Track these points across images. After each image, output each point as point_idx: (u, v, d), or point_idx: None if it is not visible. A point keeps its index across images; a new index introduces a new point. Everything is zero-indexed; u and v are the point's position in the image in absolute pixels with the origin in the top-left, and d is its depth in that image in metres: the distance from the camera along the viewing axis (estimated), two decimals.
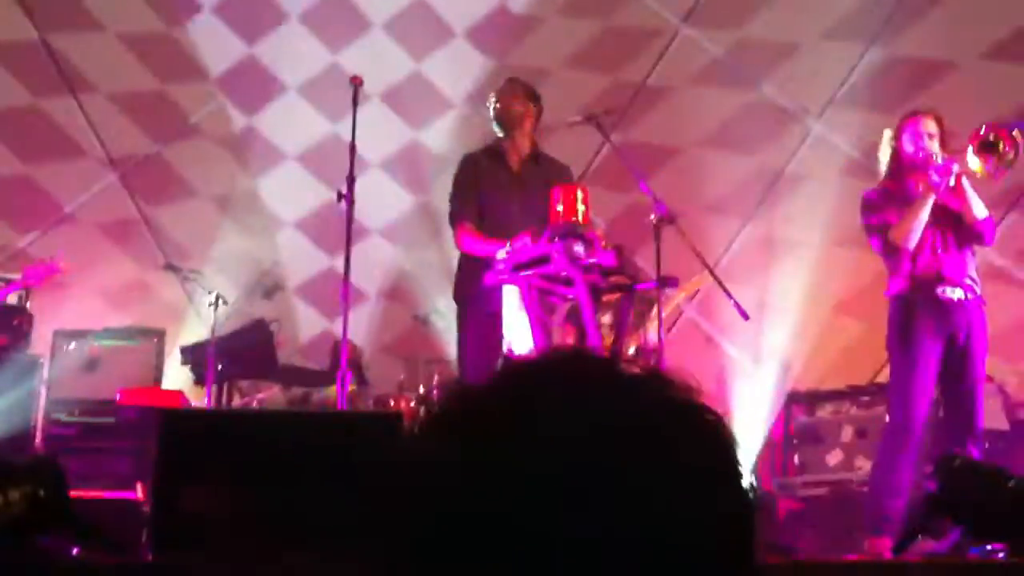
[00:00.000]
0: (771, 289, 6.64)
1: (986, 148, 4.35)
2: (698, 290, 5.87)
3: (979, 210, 4.40)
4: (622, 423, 0.74)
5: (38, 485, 3.60)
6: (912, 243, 4.36)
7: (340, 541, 3.14)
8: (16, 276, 6.64)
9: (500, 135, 4.91)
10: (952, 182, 4.33)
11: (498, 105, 4.87)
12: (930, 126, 4.48)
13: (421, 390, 6.80)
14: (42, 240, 7.77)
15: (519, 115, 4.81)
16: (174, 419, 3.72)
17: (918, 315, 4.37)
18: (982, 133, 4.37)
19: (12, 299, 6.67)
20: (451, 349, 7.37)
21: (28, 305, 6.49)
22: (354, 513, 3.20)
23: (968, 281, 4.45)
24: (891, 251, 4.45)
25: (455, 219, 4.81)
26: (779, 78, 7.15)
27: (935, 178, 4.34)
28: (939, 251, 4.43)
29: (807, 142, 7.00)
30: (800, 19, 7.05)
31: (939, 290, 4.38)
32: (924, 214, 4.35)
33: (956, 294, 4.40)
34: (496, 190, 4.78)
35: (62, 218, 7.88)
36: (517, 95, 4.88)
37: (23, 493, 3.59)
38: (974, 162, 4.34)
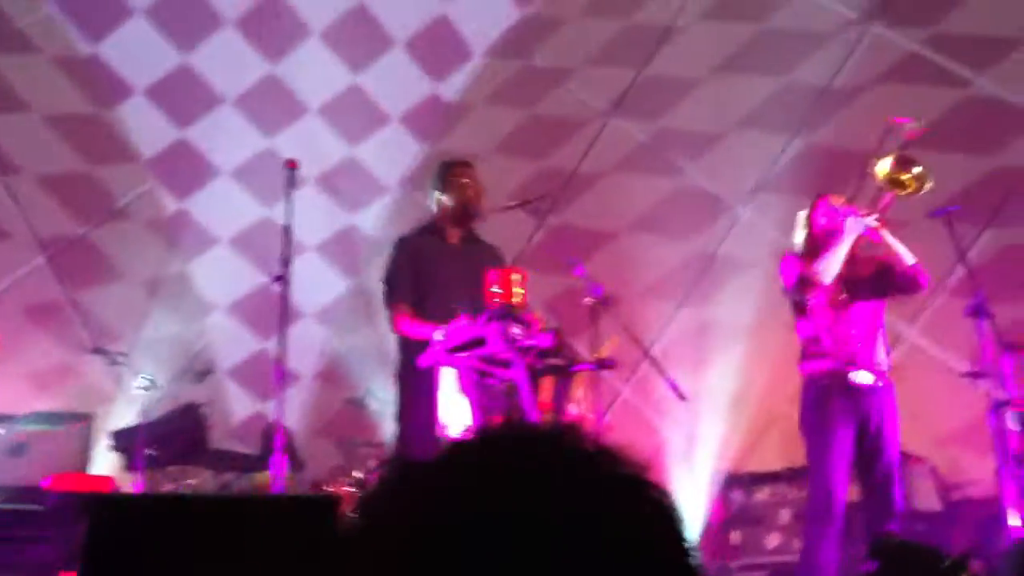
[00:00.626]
0: (706, 372, 6.71)
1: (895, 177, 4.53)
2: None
3: (907, 257, 4.55)
4: (572, 498, 0.73)
5: None
6: (829, 278, 4.46)
7: None
8: None
9: (452, 217, 4.93)
10: (875, 230, 4.49)
11: (469, 188, 4.89)
12: (838, 202, 4.67)
13: (356, 474, 6.72)
14: None
15: (481, 198, 4.88)
16: (103, 505, 3.62)
17: (832, 398, 4.46)
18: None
19: None
20: (386, 432, 7.32)
21: None
22: None
23: (879, 366, 4.57)
24: (803, 294, 4.56)
25: (391, 301, 4.80)
26: (704, 165, 7.34)
27: (856, 221, 4.49)
28: (853, 332, 4.56)
29: (736, 227, 7.16)
30: (721, 111, 7.28)
31: (851, 375, 4.48)
32: (843, 250, 4.47)
33: (867, 379, 4.51)
34: (438, 266, 4.79)
35: None
36: (478, 178, 4.92)
37: None
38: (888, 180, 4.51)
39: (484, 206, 4.85)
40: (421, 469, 0.80)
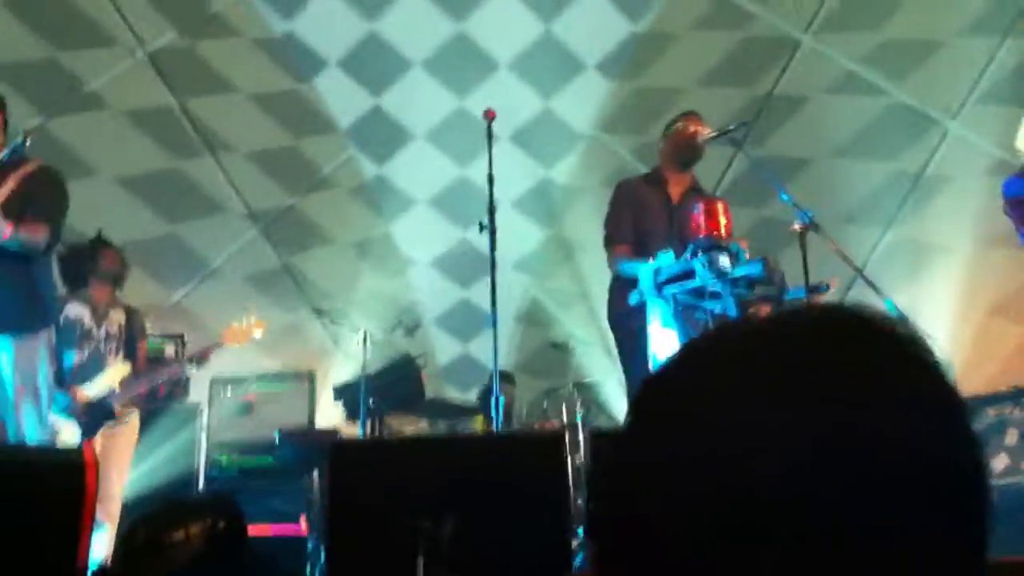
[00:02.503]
0: (919, 295, 6.48)
1: None
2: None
3: None
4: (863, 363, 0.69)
5: (217, 519, 3.72)
6: None
7: (513, 565, 3.19)
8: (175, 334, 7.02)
9: (670, 165, 4.98)
10: None
11: (686, 129, 4.92)
12: None
13: (565, 417, 6.85)
14: (192, 295, 8.14)
15: (702, 149, 4.91)
16: (340, 449, 3.84)
17: None
18: None
19: (169, 351, 7.00)
20: (591, 374, 7.43)
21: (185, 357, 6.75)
22: (521, 536, 3.25)
23: None
24: None
25: (610, 242, 4.91)
26: (910, 82, 7.02)
27: None
28: None
29: (945, 143, 6.84)
30: (930, 19, 6.92)
31: None
32: None
33: None
34: (654, 220, 4.85)
35: (210, 272, 8.23)
36: (702, 129, 4.94)
37: (203, 527, 3.68)
38: None
39: (700, 151, 4.88)
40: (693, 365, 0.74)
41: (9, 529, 3.15)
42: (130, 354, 6.00)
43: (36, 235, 4.42)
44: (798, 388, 0.67)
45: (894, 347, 0.71)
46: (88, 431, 5.45)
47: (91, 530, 3.46)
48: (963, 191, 6.50)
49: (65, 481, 3.35)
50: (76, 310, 5.64)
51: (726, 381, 0.69)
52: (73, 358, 5.66)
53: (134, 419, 5.74)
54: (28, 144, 4.39)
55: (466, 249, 7.86)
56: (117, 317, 6.04)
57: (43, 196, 4.44)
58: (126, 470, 5.68)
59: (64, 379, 5.36)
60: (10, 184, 4.44)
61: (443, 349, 8.30)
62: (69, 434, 5.32)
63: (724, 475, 0.65)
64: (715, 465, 0.66)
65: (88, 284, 5.75)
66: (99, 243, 5.84)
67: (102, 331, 5.92)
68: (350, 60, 8.33)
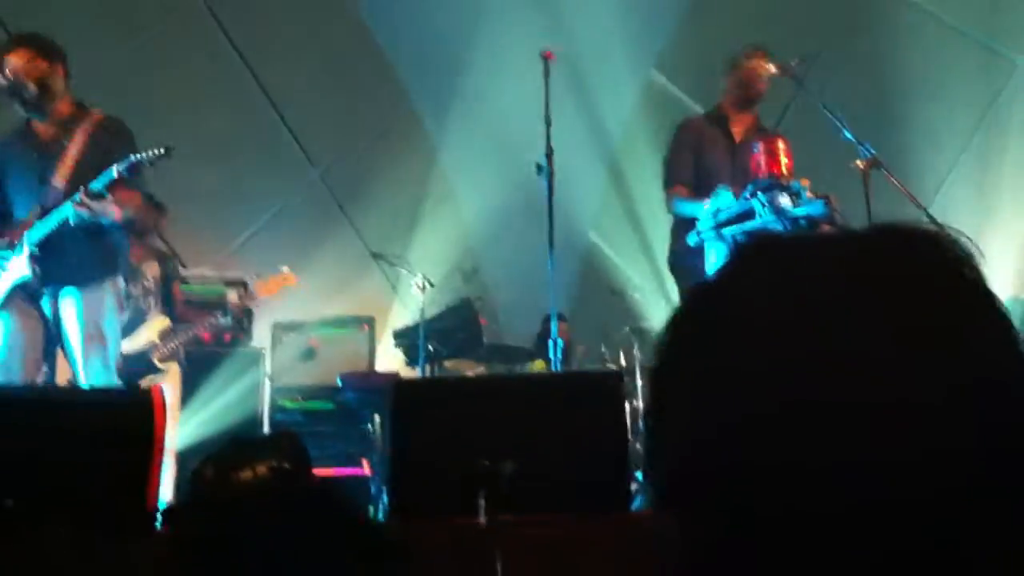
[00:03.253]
0: (986, 234, 6.34)
1: None
2: None
3: None
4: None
5: (283, 458, 3.79)
6: None
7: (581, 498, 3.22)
8: (236, 274, 7.11)
9: (733, 103, 4.91)
10: None
11: (751, 67, 4.85)
12: None
13: (624, 361, 6.85)
14: (254, 240, 8.25)
15: (765, 87, 4.84)
16: (402, 389, 3.88)
17: None
18: None
19: (232, 296, 7.10)
20: (649, 319, 7.41)
21: (248, 304, 6.84)
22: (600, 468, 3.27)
23: None
24: None
25: (668, 183, 4.87)
26: (979, 17, 6.83)
27: None
28: None
29: (1013, 81, 6.66)
30: None
31: None
32: None
33: None
34: (717, 160, 4.80)
35: (272, 218, 8.32)
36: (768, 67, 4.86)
37: (269, 465, 3.73)
38: None
39: (763, 90, 4.80)
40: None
41: (82, 468, 3.25)
42: (167, 305, 6.11)
43: (136, 205, 4.50)
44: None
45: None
46: (132, 384, 5.58)
47: (160, 469, 3.56)
48: None
49: (135, 422, 3.44)
50: None
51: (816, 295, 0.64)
52: None
53: (174, 371, 5.84)
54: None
55: (524, 192, 7.83)
56: (151, 270, 6.16)
57: (122, 154, 4.46)
58: (172, 421, 5.79)
59: None
60: (79, 140, 4.48)
61: (501, 293, 8.32)
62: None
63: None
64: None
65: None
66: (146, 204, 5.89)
67: (138, 287, 6.03)
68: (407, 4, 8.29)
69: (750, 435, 0.61)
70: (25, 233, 4.34)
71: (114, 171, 4.18)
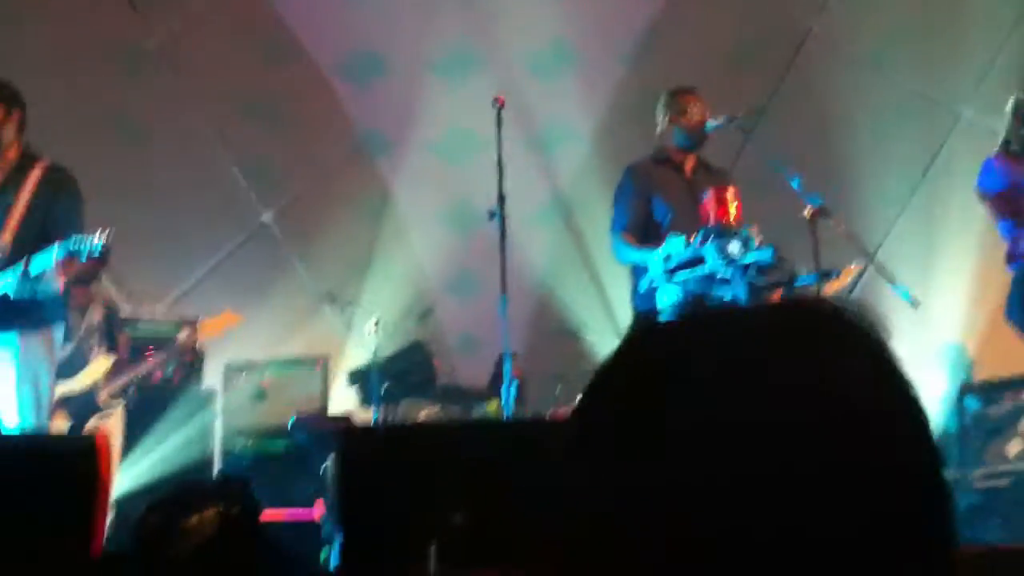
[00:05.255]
0: (932, 280, 6.45)
1: None
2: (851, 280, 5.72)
3: None
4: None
5: (231, 504, 3.74)
6: None
7: (534, 551, 3.20)
8: (185, 314, 7.06)
9: (676, 148, 4.96)
10: None
11: (693, 115, 4.90)
12: None
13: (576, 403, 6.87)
14: (206, 282, 8.18)
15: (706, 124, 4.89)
16: (353, 436, 3.87)
17: None
18: None
19: (182, 335, 7.02)
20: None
21: (198, 343, 6.79)
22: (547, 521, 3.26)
23: None
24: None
25: (614, 228, 4.89)
26: (920, 66, 6.99)
27: None
28: None
29: (957, 128, 6.82)
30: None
31: None
32: None
33: None
34: (669, 195, 4.83)
35: (222, 260, 8.27)
36: (707, 107, 4.91)
37: (216, 511, 3.69)
38: None
39: (705, 130, 4.85)
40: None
41: (25, 514, 3.19)
42: (111, 346, 6.07)
43: (74, 270, 4.45)
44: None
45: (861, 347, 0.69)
46: (76, 425, 5.52)
47: (106, 515, 3.50)
48: (975, 175, 6.48)
49: (79, 467, 3.39)
50: None
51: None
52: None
53: (119, 411, 5.79)
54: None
55: (477, 234, 7.86)
56: (97, 311, 6.12)
57: (67, 211, 4.43)
58: (115, 461, 5.71)
59: None
60: (24, 195, 4.42)
61: (455, 335, 8.31)
62: (56, 429, 5.36)
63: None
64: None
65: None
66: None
67: (83, 326, 5.98)
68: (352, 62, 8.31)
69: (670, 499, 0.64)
70: None
71: (52, 257, 4.15)
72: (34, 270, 4.15)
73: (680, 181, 4.90)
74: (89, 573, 3.20)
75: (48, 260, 4.15)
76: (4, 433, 4.21)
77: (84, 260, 4.27)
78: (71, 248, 4.13)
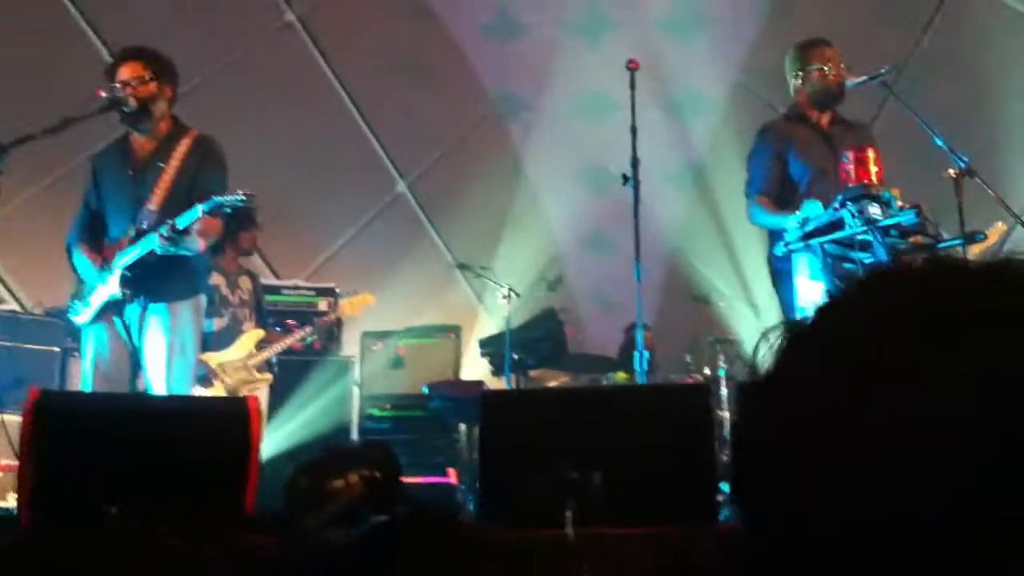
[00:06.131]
0: None
1: None
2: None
3: None
4: None
5: (374, 467, 3.85)
6: None
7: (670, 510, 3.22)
8: (326, 284, 7.28)
9: (811, 106, 4.85)
10: None
11: (828, 70, 4.77)
12: None
13: (707, 371, 6.81)
14: (345, 251, 8.40)
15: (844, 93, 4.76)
16: (491, 399, 3.93)
17: None
18: None
19: (322, 305, 7.23)
20: (733, 328, 7.34)
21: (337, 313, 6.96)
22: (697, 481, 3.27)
23: None
24: None
25: (749, 191, 4.82)
26: None
27: None
28: None
29: None
30: None
31: None
32: None
33: None
34: (810, 151, 4.72)
35: (360, 229, 8.46)
36: (842, 61, 4.77)
37: (360, 476, 3.79)
38: None
39: (844, 85, 4.70)
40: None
41: (182, 473, 3.36)
42: (261, 318, 6.28)
43: (218, 231, 4.64)
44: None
45: None
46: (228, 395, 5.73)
47: (256, 475, 3.65)
48: None
49: (233, 429, 3.55)
50: (213, 278, 5.89)
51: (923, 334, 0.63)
52: (212, 325, 5.93)
53: (265, 383, 6.00)
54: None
55: (609, 202, 7.83)
56: (245, 283, 6.33)
57: (212, 176, 4.59)
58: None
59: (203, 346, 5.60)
60: (174, 162, 4.62)
61: (586, 303, 8.33)
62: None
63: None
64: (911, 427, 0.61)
65: (222, 252, 6.01)
66: (245, 219, 6.06)
67: (236, 298, 6.21)
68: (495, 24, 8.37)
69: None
70: (117, 254, 4.50)
71: (199, 211, 4.30)
72: (180, 223, 4.32)
73: (817, 138, 4.77)
74: (243, 529, 3.34)
75: (193, 215, 4.31)
76: (161, 396, 4.41)
77: (229, 213, 4.44)
78: (214, 204, 4.29)
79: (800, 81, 4.84)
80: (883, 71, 4.52)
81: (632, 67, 4.99)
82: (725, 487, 3.62)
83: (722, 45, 8.03)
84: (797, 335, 0.70)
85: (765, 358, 0.71)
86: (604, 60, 7.72)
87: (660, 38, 8.07)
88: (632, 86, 4.94)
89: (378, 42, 8.25)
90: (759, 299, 7.12)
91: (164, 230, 4.30)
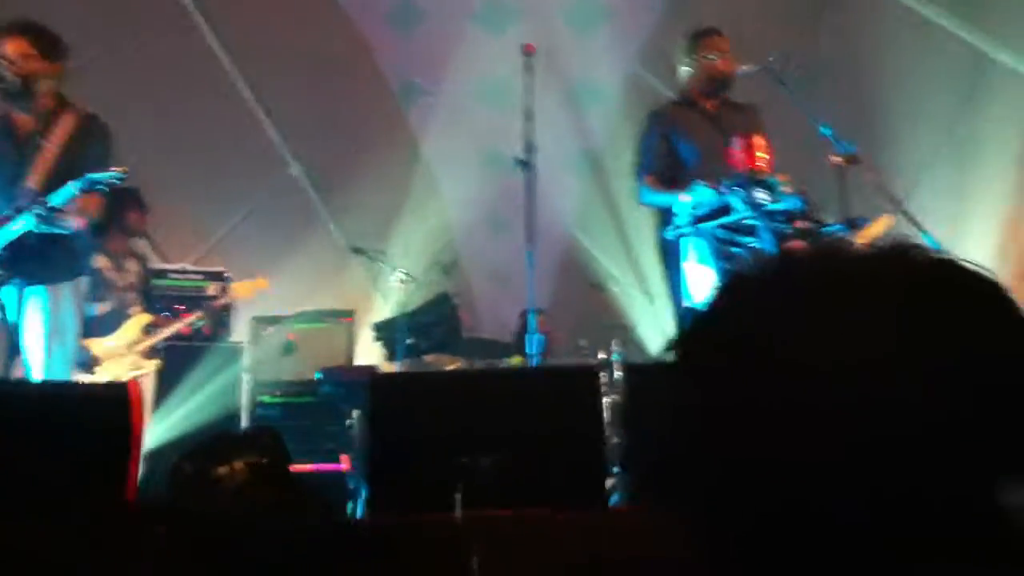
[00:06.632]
0: (966, 226, 6.37)
1: None
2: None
3: None
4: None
5: (261, 454, 3.78)
6: None
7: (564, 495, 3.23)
8: (216, 268, 7.11)
9: (700, 93, 4.90)
10: None
11: (717, 58, 4.83)
12: None
13: (601, 356, 6.86)
14: (234, 233, 8.22)
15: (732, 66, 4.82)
16: (381, 383, 3.89)
17: None
18: None
19: (211, 289, 7.07)
20: (628, 315, 7.43)
21: (227, 297, 6.81)
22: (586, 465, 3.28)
23: None
24: None
25: (638, 173, 4.86)
26: (956, 12, 6.86)
27: None
28: None
29: (995, 77, 6.69)
30: None
31: None
32: None
33: None
34: (695, 134, 4.79)
35: (250, 211, 8.30)
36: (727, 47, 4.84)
37: (246, 462, 3.72)
38: None
39: (734, 74, 4.78)
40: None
41: (60, 461, 3.24)
42: (148, 302, 6.12)
43: (98, 208, 4.49)
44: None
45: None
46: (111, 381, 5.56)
47: (138, 463, 3.55)
48: (1007, 123, 6.36)
49: (113, 416, 3.43)
50: (98, 260, 5.69)
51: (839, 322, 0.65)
52: (96, 309, 5.75)
53: (151, 369, 5.85)
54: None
55: (504, 187, 7.84)
56: (133, 266, 6.15)
57: (96, 155, 4.45)
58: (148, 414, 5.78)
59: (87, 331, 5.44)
60: (56, 140, 4.46)
61: (481, 288, 8.33)
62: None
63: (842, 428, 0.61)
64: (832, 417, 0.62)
65: (108, 234, 5.83)
66: (132, 200, 5.88)
67: (122, 281, 6.03)
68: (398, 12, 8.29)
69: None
70: None
71: (72, 189, 4.19)
72: (53, 201, 4.19)
73: (705, 121, 4.84)
74: (123, 518, 3.25)
75: (67, 193, 4.19)
76: (38, 382, 4.26)
77: (105, 190, 4.32)
78: (88, 180, 4.18)
79: (690, 68, 4.90)
80: (770, 59, 4.61)
81: (528, 52, 4.98)
82: (615, 470, 3.65)
83: (621, 37, 8.09)
84: (697, 328, 0.71)
85: (663, 347, 0.73)
86: (506, 49, 7.68)
87: (562, 29, 8.10)
88: (527, 71, 4.93)
89: (277, 27, 8.09)
90: (652, 286, 7.21)
91: (38, 208, 4.16)
